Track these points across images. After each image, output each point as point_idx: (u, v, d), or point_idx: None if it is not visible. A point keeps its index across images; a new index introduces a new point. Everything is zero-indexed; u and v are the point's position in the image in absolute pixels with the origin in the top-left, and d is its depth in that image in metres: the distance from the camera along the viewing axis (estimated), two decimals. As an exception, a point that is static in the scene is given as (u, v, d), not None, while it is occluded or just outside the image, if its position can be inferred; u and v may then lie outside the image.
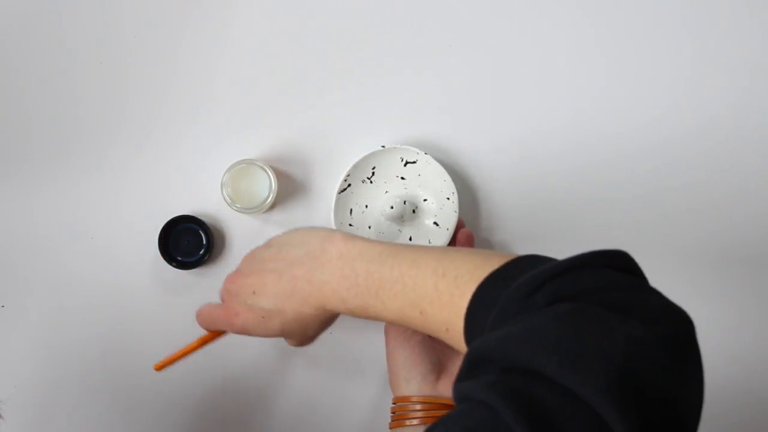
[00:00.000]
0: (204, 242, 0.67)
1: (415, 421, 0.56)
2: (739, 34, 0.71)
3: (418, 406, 0.57)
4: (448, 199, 0.67)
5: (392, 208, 0.67)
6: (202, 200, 0.69)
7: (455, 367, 0.59)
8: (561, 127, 0.72)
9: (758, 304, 0.71)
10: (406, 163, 0.68)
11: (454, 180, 0.67)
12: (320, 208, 0.70)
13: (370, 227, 0.68)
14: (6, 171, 0.70)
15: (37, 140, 0.70)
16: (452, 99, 0.72)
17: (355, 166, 0.67)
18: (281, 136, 0.70)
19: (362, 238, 0.51)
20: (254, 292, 0.53)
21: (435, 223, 0.69)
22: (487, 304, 0.41)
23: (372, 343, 0.68)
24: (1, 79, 0.70)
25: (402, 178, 0.69)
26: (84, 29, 0.71)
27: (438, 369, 0.59)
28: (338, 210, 0.67)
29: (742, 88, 0.72)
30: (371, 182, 0.68)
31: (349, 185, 0.68)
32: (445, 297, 0.44)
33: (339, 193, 0.67)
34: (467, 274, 0.43)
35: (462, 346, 0.43)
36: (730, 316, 0.71)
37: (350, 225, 0.68)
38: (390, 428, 0.59)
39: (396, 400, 0.59)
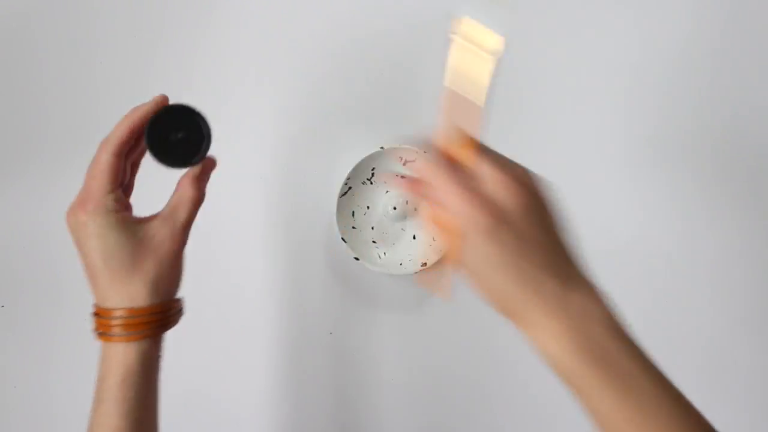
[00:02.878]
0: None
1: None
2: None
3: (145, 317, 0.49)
4: (450, 197, 0.67)
5: (395, 208, 0.67)
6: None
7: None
8: (560, 124, 0.72)
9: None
10: (406, 162, 0.68)
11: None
12: (322, 212, 0.69)
13: (373, 228, 0.68)
14: (6, 171, 0.70)
15: (37, 141, 0.70)
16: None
17: (355, 169, 0.67)
18: (278, 140, 0.70)
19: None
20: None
21: (438, 220, 0.69)
22: None
23: (380, 342, 0.68)
24: (1, 80, 0.70)
25: (402, 177, 0.68)
26: (83, 30, 0.71)
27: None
28: (341, 213, 0.67)
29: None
30: (371, 183, 0.68)
31: (350, 188, 0.67)
32: None
33: (340, 196, 0.67)
34: None
35: None
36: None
37: (353, 228, 0.68)
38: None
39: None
